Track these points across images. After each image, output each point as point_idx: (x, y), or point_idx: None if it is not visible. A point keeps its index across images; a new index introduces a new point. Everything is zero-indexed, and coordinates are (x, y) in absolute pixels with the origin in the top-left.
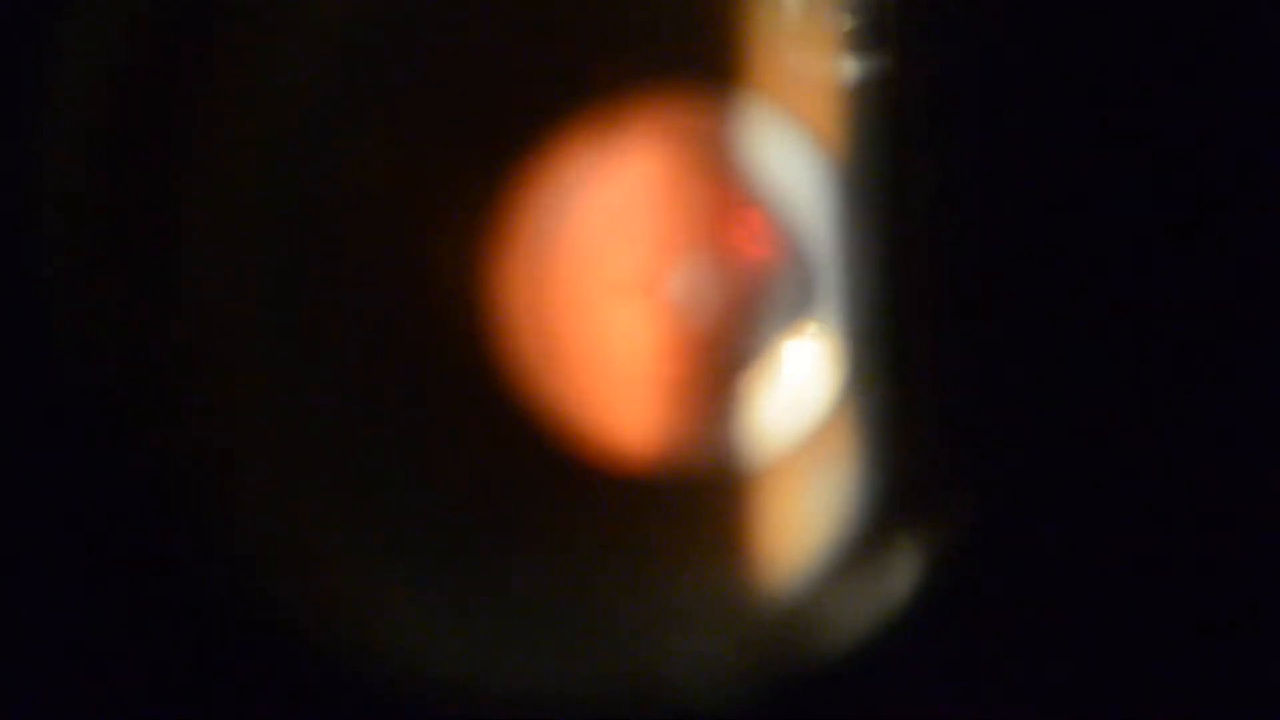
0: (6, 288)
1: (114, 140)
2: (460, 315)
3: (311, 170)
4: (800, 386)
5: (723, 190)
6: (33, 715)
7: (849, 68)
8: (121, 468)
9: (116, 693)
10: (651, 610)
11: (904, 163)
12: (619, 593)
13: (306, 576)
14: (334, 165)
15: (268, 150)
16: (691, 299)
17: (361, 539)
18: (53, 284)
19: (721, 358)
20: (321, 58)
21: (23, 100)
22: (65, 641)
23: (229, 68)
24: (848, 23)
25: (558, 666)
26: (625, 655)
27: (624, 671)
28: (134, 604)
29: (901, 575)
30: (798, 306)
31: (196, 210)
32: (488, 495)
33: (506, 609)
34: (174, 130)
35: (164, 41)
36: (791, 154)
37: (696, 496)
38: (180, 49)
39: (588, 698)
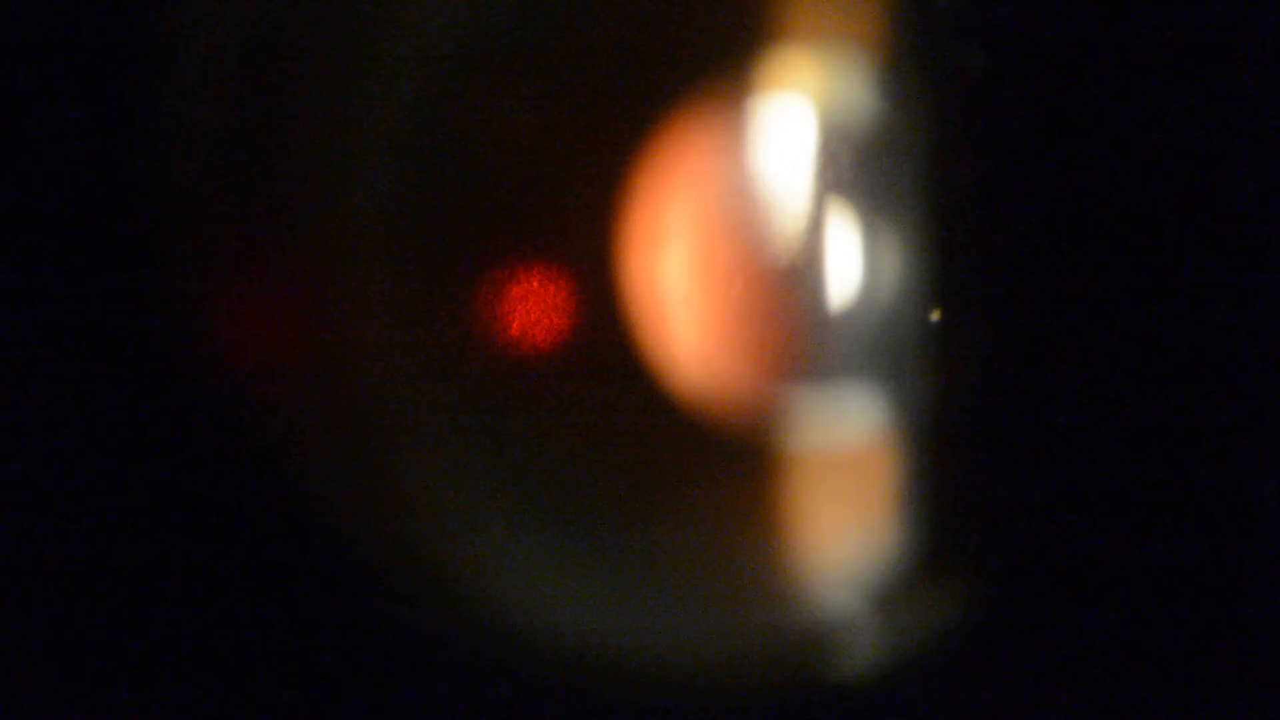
0: (137, 291)
1: (235, 143)
2: (597, 294)
3: (450, 151)
4: (894, 376)
5: (814, 175)
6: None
7: (940, 50)
8: (270, 457)
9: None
10: (717, 581)
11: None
12: (711, 562)
13: (439, 544)
14: (463, 158)
15: (395, 145)
16: (790, 276)
17: (484, 511)
18: (193, 283)
19: (823, 336)
20: (446, 55)
21: (142, 114)
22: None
23: (350, 67)
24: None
25: (657, 630)
26: (706, 624)
27: (702, 642)
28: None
29: (933, 604)
30: (888, 289)
31: (338, 197)
32: (571, 459)
33: (560, 568)
34: (311, 119)
35: (290, 43)
36: (884, 132)
37: (780, 471)
38: (304, 50)
39: (680, 666)
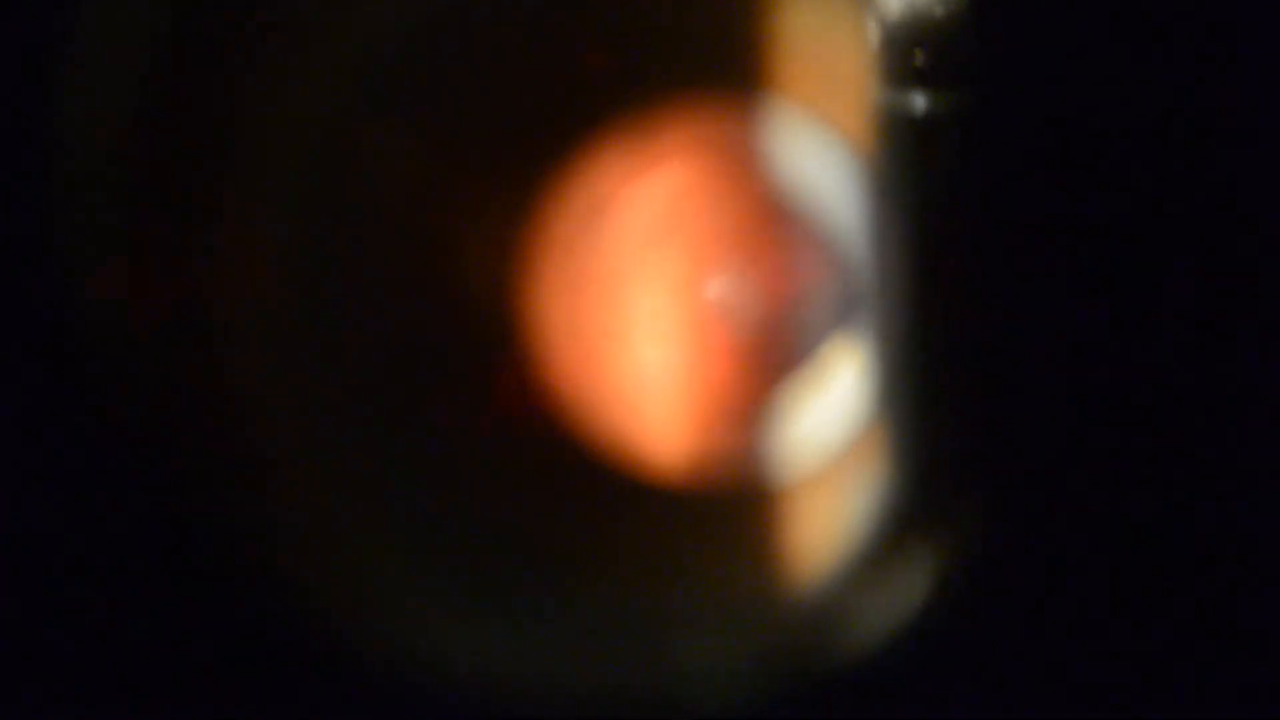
0: (30, 295)
1: (140, 143)
2: (494, 322)
3: (345, 176)
4: (836, 398)
5: (761, 199)
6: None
7: (888, 87)
8: (148, 475)
9: (151, 696)
10: (673, 613)
11: (938, 176)
12: (640, 594)
13: (331, 576)
14: (368, 171)
15: (299, 154)
16: (730, 307)
17: (386, 540)
18: (75, 293)
19: (759, 367)
20: (357, 65)
21: (45, 102)
22: (99, 652)
23: (260, 74)
24: (881, 41)
25: (576, 667)
26: (644, 657)
27: (643, 673)
28: (163, 610)
29: (919, 582)
30: (835, 316)
31: (226, 216)
32: (516, 498)
33: (530, 611)
34: (203, 135)
35: (195, 45)
36: (829, 163)
37: (725, 504)
38: (211, 52)
39: (607, 699)
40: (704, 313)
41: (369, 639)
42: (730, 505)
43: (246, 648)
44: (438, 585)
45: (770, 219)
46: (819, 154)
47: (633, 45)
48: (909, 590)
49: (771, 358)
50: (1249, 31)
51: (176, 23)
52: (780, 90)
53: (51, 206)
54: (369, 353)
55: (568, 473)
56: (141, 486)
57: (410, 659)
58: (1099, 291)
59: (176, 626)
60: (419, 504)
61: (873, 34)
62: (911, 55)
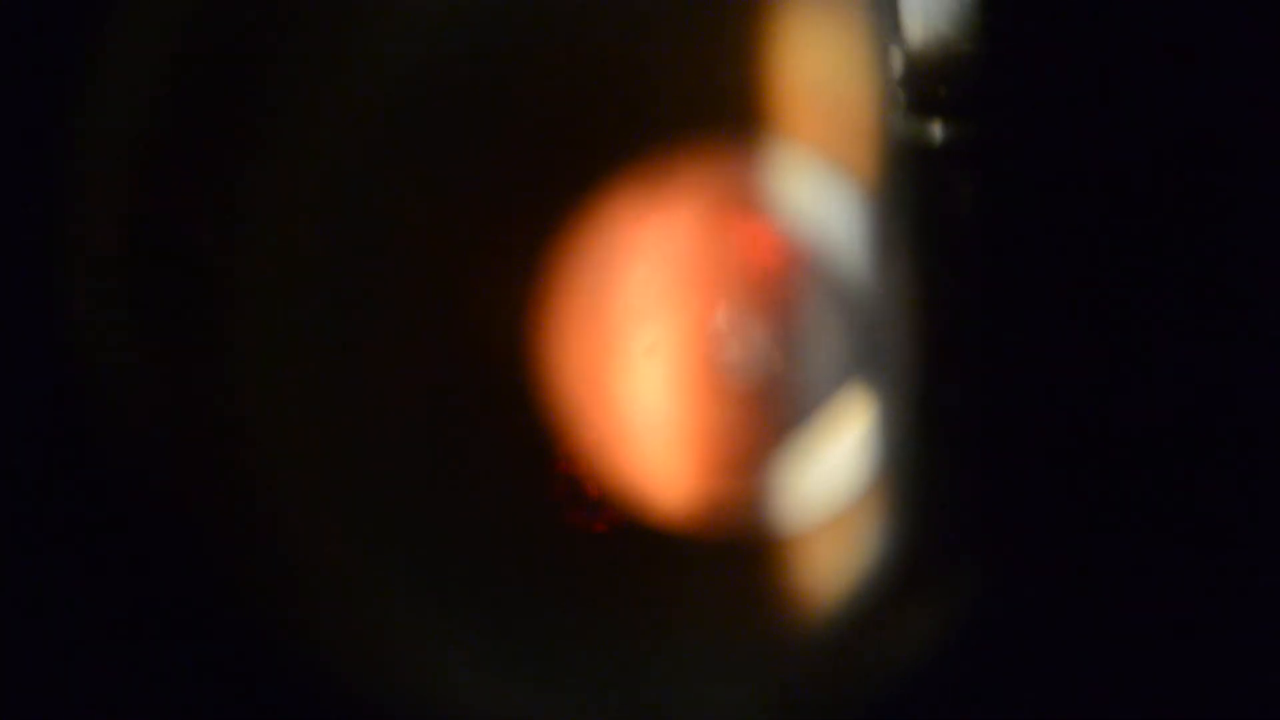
0: (41, 327)
1: (155, 185)
2: (505, 370)
3: (354, 219)
4: (844, 445)
5: (771, 243)
6: None
7: (897, 124)
8: (159, 508)
9: None
10: (675, 660)
11: (950, 215)
12: (643, 640)
13: (345, 622)
14: (377, 215)
15: (314, 202)
16: (739, 352)
17: (395, 582)
18: (92, 335)
19: (766, 413)
20: (365, 113)
21: (62, 138)
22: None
23: (277, 118)
24: (891, 80)
25: (581, 713)
26: (648, 704)
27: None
28: (171, 646)
29: (921, 633)
30: (844, 362)
31: (241, 258)
32: (524, 544)
33: (536, 655)
34: (221, 174)
35: (212, 91)
36: (839, 206)
37: (728, 551)
38: (229, 97)
39: None
40: (712, 357)
41: (383, 686)
42: (734, 552)
43: (255, 688)
44: (446, 630)
45: (780, 263)
46: (829, 197)
47: (641, 88)
48: (911, 641)
49: (779, 404)
50: (1267, 68)
51: (179, 71)
52: (789, 132)
53: (57, 234)
54: (379, 397)
55: (571, 517)
56: (148, 524)
57: (423, 706)
58: (1116, 337)
59: (181, 659)
60: (430, 551)
61: (883, 71)
62: (923, 90)
